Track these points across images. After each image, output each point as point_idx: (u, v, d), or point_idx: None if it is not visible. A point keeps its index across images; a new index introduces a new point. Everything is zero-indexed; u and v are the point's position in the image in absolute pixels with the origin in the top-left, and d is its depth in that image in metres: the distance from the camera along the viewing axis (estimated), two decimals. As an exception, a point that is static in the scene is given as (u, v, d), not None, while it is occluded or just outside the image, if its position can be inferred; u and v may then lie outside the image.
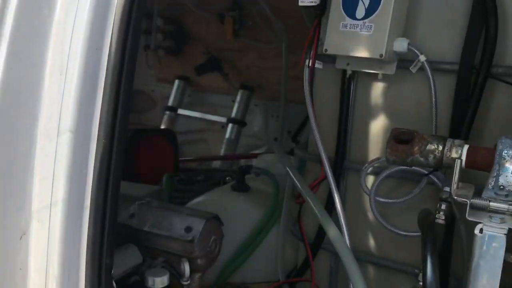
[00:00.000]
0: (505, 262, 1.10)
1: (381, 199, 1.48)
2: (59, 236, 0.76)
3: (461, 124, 1.38)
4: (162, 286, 1.24)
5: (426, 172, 1.39)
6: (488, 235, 0.82)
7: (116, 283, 1.13)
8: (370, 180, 1.55)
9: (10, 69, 0.73)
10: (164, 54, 3.55)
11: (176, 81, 3.65)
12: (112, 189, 0.75)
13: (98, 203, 0.75)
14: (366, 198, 1.52)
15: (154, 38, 3.48)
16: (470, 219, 0.87)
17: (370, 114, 1.57)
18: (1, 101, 0.72)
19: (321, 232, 1.65)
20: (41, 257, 0.77)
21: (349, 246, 1.36)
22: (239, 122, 3.46)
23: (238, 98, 3.45)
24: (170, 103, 3.68)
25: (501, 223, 0.84)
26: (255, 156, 2.88)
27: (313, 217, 1.62)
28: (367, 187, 1.49)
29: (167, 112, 3.69)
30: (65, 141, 0.74)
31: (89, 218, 0.75)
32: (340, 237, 1.33)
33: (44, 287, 0.78)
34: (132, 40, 0.73)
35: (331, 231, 1.35)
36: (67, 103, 0.73)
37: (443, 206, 1.27)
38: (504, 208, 0.87)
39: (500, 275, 0.83)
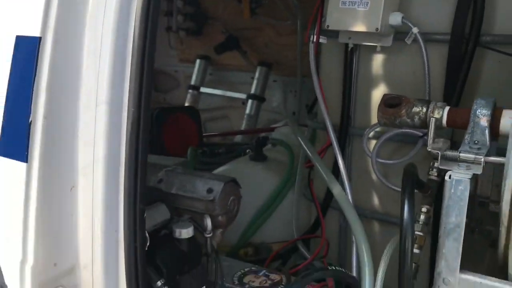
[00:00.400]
0: (492, 212, 1.24)
1: (381, 160, 1.63)
2: (101, 187, 0.95)
3: (453, 90, 1.51)
4: (188, 236, 1.42)
5: (421, 134, 1.53)
6: (455, 180, 0.97)
7: (148, 236, 1.33)
8: (373, 144, 1.69)
9: (55, 53, 0.91)
10: (185, 35, 3.68)
11: (198, 61, 3.77)
12: (142, 147, 0.93)
13: (131, 159, 0.93)
14: (369, 161, 1.67)
15: (175, 20, 3.63)
16: (441, 167, 1.02)
17: (371, 83, 1.71)
18: (50, 80, 0.91)
19: (329, 193, 1.81)
20: (87, 204, 0.96)
21: (351, 202, 1.52)
22: (259, 98, 3.56)
23: (257, 74, 3.54)
24: (192, 82, 3.81)
25: (467, 169, 0.99)
26: (273, 129, 3.03)
27: (322, 180, 1.78)
28: (369, 150, 1.64)
29: (190, 91, 3.84)
30: (102, 111, 0.92)
31: (124, 172, 0.93)
32: (343, 193, 1.49)
33: (91, 229, 0.98)
34: (152, 26, 0.89)
35: (335, 189, 1.52)
36: (102, 80, 0.91)
37: (436, 164, 1.42)
38: (471, 158, 1.02)
39: (466, 213, 0.98)
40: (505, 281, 0.98)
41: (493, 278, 0.99)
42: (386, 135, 1.59)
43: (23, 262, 0.93)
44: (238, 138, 3.61)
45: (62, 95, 0.92)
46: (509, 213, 0.93)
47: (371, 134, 1.66)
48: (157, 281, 1.32)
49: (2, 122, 0.94)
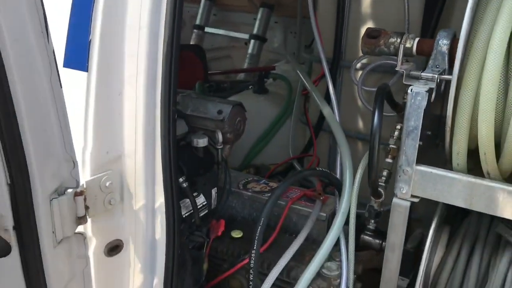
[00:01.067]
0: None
1: (366, 88, 1.91)
2: (142, 93, 1.23)
3: (429, 26, 1.77)
4: (203, 145, 1.72)
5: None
6: (415, 92, 1.26)
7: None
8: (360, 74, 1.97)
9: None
10: (189, -24, 3.83)
11: (202, 1, 3.90)
12: (174, 62, 1.20)
13: (166, 71, 1.20)
14: (356, 88, 1.95)
15: (181, -39, 3.75)
16: (405, 83, 1.30)
17: (360, 21, 1.96)
18: (105, 6, 1.16)
19: (321, 118, 2.11)
20: (131, 107, 1.25)
21: (338, 119, 1.82)
22: (260, 38, 3.74)
23: (259, 15, 3.70)
24: (197, 22, 3.99)
25: (424, 84, 1.28)
26: (274, 68, 3.27)
27: (315, 106, 2.07)
28: (356, 79, 1.91)
29: (195, 31, 4.01)
30: (144, 32, 1.19)
31: (161, 81, 1.21)
32: (331, 112, 1.78)
33: (134, 126, 1.26)
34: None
35: (325, 110, 1.81)
36: (144, 8, 1.17)
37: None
38: (429, 76, 1.30)
39: (422, 120, 1.27)
40: (448, 170, 1.29)
41: (440, 169, 1.29)
42: (370, 66, 1.86)
43: (84, 148, 1.23)
44: (240, 76, 3.86)
45: (113, 19, 1.18)
46: (451, 116, 1.22)
47: (358, 65, 1.93)
48: (179, 178, 1.64)
49: (67, 41, 1.21)
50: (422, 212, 1.79)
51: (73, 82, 1.20)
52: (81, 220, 1.22)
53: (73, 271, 1.25)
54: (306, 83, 2.03)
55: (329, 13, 2.02)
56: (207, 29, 4.00)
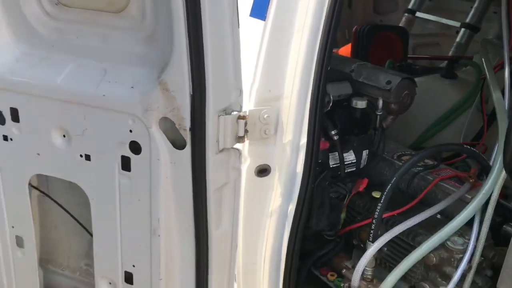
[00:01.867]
0: None
1: (551, 80, 1.78)
2: (305, 45, 1.46)
3: None
4: (361, 107, 1.88)
5: None
6: None
7: (333, 104, 1.84)
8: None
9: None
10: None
11: (418, -14, 3.92)
12: (335, 22, 1.41)
13: (326, 29, 1.42)
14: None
15: None
16: None
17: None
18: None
19: (497, 107, 2.03)
20: (294, 55, 1.49)
21: (505, 106, 1.76)
22: (472, 28, 3.58)
23: (476, 3, 3.52)
24: (410, 6, 3.99)
25: None
26: (471, 58, 3.10)
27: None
28: (540, 69, 1.80)
29: (406, 14, 4.02)
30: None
31: (320, 37, 1.43)
32: (501, 98, 1.73)
33: (293, 73, 1.50)
34: None
35: (495, 95, 1.77)
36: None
37: None
38: None
39: None
40: None
41: None
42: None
43: (252, 84, 1.53)
44: (444, 64, 3.73)
45: None
46: None
47: (548, 55, 1.81)
48: (332, 130, 1.84)
49: (255, -4, 1.52)
50: None
51: (254, 29, 1.50)
52: (240, 139, 1.53)
53: (228, 178, 1.58)
54: (486, 68, 1.97)
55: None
56: (418, 14, 3.96)
